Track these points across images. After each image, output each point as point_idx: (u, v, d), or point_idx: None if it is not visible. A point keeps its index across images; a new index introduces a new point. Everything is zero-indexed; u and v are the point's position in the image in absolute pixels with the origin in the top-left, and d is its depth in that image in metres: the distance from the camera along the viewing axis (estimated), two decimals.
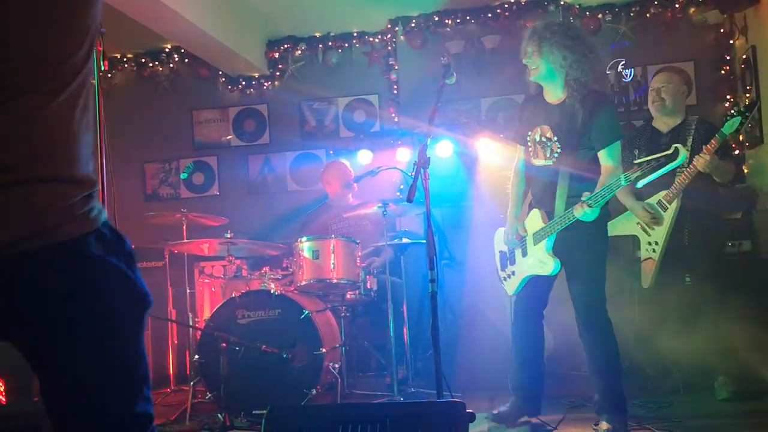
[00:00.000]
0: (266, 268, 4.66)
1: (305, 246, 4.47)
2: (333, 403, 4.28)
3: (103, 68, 3.08)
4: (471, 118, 6.41)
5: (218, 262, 5.58)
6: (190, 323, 4.80)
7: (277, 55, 6.90)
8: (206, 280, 5.07)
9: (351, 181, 5.35)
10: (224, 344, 4.05)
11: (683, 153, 3.11)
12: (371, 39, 6.80)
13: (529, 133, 3.65)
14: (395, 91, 6.68)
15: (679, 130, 4.36)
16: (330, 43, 6.83)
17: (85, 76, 1.47)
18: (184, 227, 5.06)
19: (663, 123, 4.45)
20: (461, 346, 4.83)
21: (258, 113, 7.01)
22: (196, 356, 4.26)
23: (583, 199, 3.32)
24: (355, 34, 6.81)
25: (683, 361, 4.11)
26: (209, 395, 4.18)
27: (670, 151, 3.14)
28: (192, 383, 4.37)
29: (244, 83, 6.96)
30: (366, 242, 4.91)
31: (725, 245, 4.68)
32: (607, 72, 5.46)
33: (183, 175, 7.04)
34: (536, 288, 3.70)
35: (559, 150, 3.53)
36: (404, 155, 5.96)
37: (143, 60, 7.06)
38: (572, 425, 3.65)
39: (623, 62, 5.34)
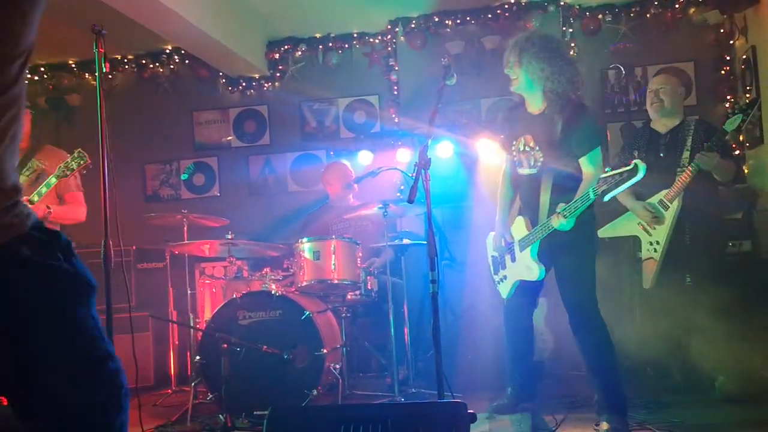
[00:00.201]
0: (267, 269, 4.67)
1: (306, 247, 4.47)
2: (334, 404, 4.28)
3: (104, 70, 3.08)
4: (471, 119, 6.42)
5: (219, 263, 5.59)
6: (191, 324, 4.80)
7: (277, 55, 6.91)
8: (207, 281, 5.07)
9: (351, 182, 5.36)
10: (225, 345, 4.05)
11: (642, 168, 3.15)
12: (371, 40, 6.81)
13: (513, 142, 3.76)
14: (395, 92, 6.68)
15: (678, 131, 4.39)
16: (330, 44, 6.84)
17: (16, 108, 1.52)
18: (185, 228, 5.06)
19: (662, 124, 4.47)
20: (462, 347, 4.84)
21: (258, 114, 7.02)
22: (197, 357, 4.27)
23: (558, 210, 3.43)
24: (355, 35, 6.82)
25: (683, 361, 4.11)
26: (210, 396, 4.18)
27: (630, 167, 3.18)
28: (193, 384, 4.37)
29: (244, 84, 6.97)
30: (367, 243, 4.91)
31: (726, 245, 4.68)
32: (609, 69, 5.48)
33: (183, 176, 7.04)
34: (526, 291, 3.83)
35: (542, 159, 3.63)
36: (404, 156, 5.97)
37: (144, 61, 7.07)
38: (573, 425, 3.65)
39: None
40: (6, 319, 1.46)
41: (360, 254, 4.60)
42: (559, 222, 3.42)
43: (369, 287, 4.67)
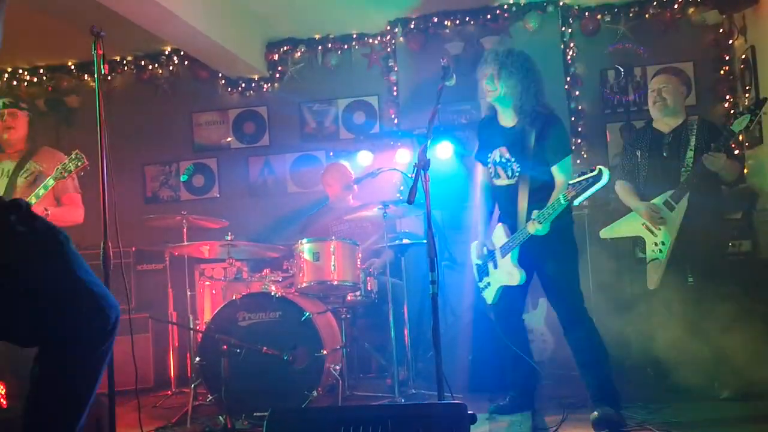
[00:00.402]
0: (267, 270, 4.67)
1: (306, 248, 4.47)
2: (334, 405, 4.28)
3: (103, 72, 3.08)
4: (471, 120, 6.42)
5: (219, 265, 5.59)
6: (191, 326, 4.80)
7: (276, 57, 6.91)
8: (207, 283, 5.07)
9: (351, 183, 5.36)
10: (225, 346, 4.05)
11: (605, 173, 3.32)
12: (371, 40, 6.81)
13: (489, 154, 3.88)
14: (395, 93, 6.68)
15: (681, 131, 4.35)
16: (329, 45, 6.85)
17: None
18: (185, 230, 5.06)
19: (664, 124, 4.43)
20: (462, 348, 4.83)
21: (258, 115, 7.02)
22: (197, 358, 4.26)
23: (533, 217, 3.58)
24: (354, 36, 6.83)
25: (684, 361, 4.10)
26: (210, 397, 4.18)
27: (595, 173, 3.34)
28: (193, 385, 4.37)
29: (243, 85, 6.97)
30: (366, 244, 4.91)
31: (728, 245, 4.67)
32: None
33: (183, 178, 7.04)
34: (511, 295, 3.90)
35: (518, 169, 3.77)
36: (404, 156, 5.96)
37: (143, 63, 7.07)
38: (573, 426, 3.65)
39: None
40: None
41: (360, 255, 4.60)
42: (534, 228, 3.57)
43: (369, 288, 4.67)
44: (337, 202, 5.49)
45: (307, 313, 4.20)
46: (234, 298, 4.31)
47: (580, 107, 6.38)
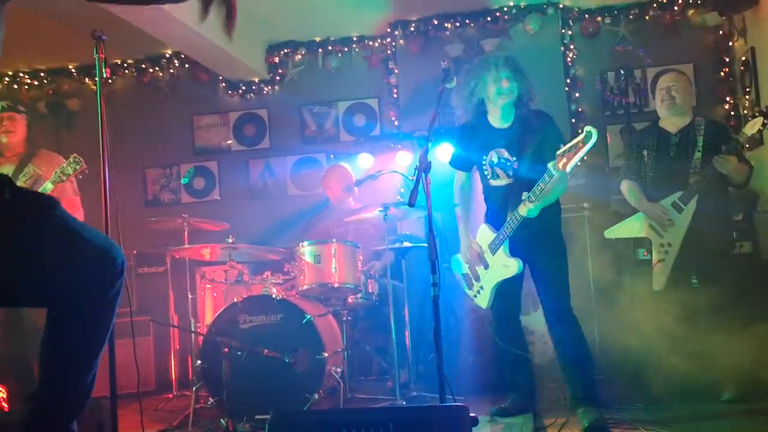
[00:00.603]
0: (268, 273, 4.67)
1: (306, 250, 4.47)
2: (336, 408, 4.28)
3: (104, 75, 3.08)
4: None
5: (220, 267, 5.58)
6: (192, 328, 4.80)
7: (277, 59, 6.92)
8: (208, 285, 5.07)
9: (352, 185, 5.36)
10: (226, 349, 4.05)
11: (594, 133, 3.35)
12: (371, 43, 6.82)
13: (484, 157, 3.86)
14: (395, 95, 6.69)
15: (688, 131, 4.29)
16: (330, 48, 6.86)
17: None
18: (186, 232, 5.06)
19: (671, 123, 4.38)
20: (463, 350, 4.83)
21: (258, 118, 7.03)
22: (199, 361, 4.26)
23: (523, 198, 3.59)
24: (354, 39, 6.84)
25: (685, 362, 4.10)
26: (212, 400, 4.18)
27: (582, 135, 3.36)
28: (194, 388, 4.37)
29: (244, 88, 6.98)
30: (367, 246, 4.91)
31: (733, 247, 4.65)
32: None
33: (184, 180, 7.05)
34: (505, 295, 3.90)
35: (517, 168, 3.77)
36: (404, 159, 5.97)
37: (143, 66, 7.09)
38: (574, 428, 3.64)
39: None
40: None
41: (360, 257, 4.60)
42: (527, 209, 3.58)
43: (370, 290, 4.67)
44: (337, 205, 5.50)
45: (308, 316, 4.20)
46: (235, 300, 4.31)
47: (580, 109, 6.39)
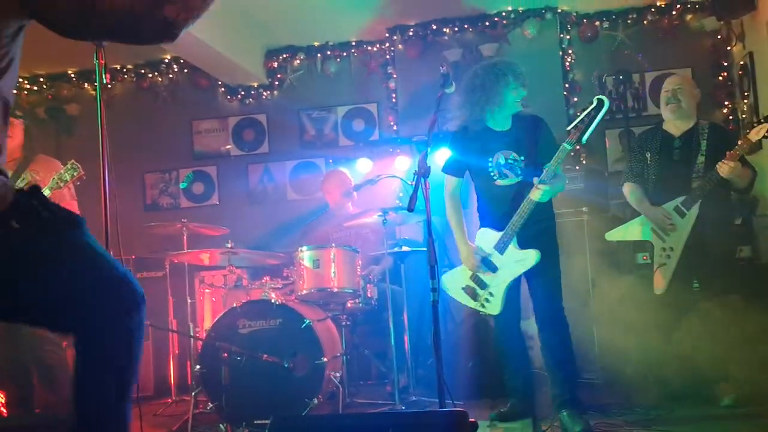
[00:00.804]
0: (267, 278, 4.66)
1: (306, 255, 4.47)
2: (335, 413, 4.27)
3: (104, 81, 3.09)
4: None
5: (219, 272, 5.59)
6: (191, 333, 4.79)
7: (276, 64, 6.93)
8: (207, 290, 5.07)
9: (350, 190, 5.36)
10: (225, 354, 4.05)
11: (606, 101, 3.49)
12: (369, 48, 6.83)
13: (490, 159, 3.85)
14: (394, 100, 6.70)
15: (692, 135, 4.28)
16: (328, 53, 6.87)
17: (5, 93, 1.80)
18: (185, 237, 5.06)
19: (675, 126, 4.36)
20: (462, 354, 4.82)
21: (257, 123, 7.03)
22: (198, 366, 4.26)
23: (535, 182, 3.60)
24: (353, 43, 6.85)
25: (685, 367, 4.10)
26: (211, 405, 4.17)
27: (594, 104, 3.47)
28: (193, 393, 4.35)
29: (243, 93, 6.99)
30: (366, 251, 4.91)
31: (735, 251, 4.64)
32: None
33: (183, 185, 7.05)
34: (511, 299, 3.89)
35: (525, 167, 3.80)
36: (403, 163, 5.97)
37: (143, 71, 7.09)
38: None
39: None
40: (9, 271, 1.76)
41: (360, 262, 4.60)
42: (539, 194, 3.59)
43: (369, 295, 4.67)
44: (336, 209, 5.50)
45: (308, 321, 4.20)
46: (234, 305, 4.31)
47: (578, 113, 6.38)
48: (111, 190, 3.13)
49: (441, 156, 5.60)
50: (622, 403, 4.07)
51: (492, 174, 3.86)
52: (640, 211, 4.35)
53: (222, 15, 5.90)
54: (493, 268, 3.84)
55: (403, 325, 4.58)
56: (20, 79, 7.19)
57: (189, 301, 5.16)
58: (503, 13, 6.46)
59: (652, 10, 6.33)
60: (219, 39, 5.79)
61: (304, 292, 4.44)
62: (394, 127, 6.66)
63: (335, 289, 4.44)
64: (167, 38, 1.80)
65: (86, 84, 7.14)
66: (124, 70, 7.10)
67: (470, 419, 2.51)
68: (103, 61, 3.10)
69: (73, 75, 7.16)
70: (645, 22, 6.37)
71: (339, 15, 6.33)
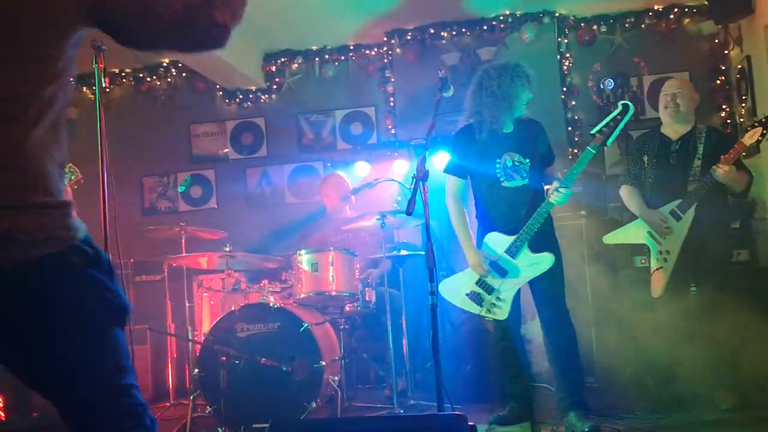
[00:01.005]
0: (265, 281, 4.66)
1: (304, 259, 4.47)
2: (334, 417, 4.27)
3: (104, 85, 3.09)
4: None
5: (217, 276, 5.57)
6: (190, 337, 4.79)
7: (274, 68, 6.94)
8: (205, 294, 5.06)
9: (349, 194, 5.36)
10: (224, 358, 4.05)
11: (630, 105, 3.55)
12: (367, 52, 6.84)
13: (498, 161, 3.84)
14: (392, 103, 6.71)
15: (689, 138, 4.28)
16: (326, 56, 6.88)
17: (59, 110, 1.64)
18: (183, 241, 5.06)
19: (673, 130, 4.36)
20: (461, 358, 4.82)
21: (255, 126, 7.03)
22: (196, 370, 4.25)
23: (554, 186, 3.64)
24: (351, 47, 6.86)
25: (684, 370, 4.10)
26: (209, 409, 4.17)
27: (619, 109, 3.53)
28: (192, 397, 4.35)
29: (241, 97, 6.99)
30: (364, 254, 4.91)
31: (732, 255, 4.63)
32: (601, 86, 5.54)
33: (181, 189, 7.04)
34: (515, 305, 3.89)
35: (530, 169, 3.82)
36: (401, 167, 5.97)
37: (141, 75, 7.09)
38: None
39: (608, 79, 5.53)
40: (54, 319, 1.54)
41: (358, 266, 4.60)
42: (557, 197, 3.63)
43: (367, 299, 4.67)
44: (335, 213, 5.50)
45: (306, 324, 4.20)
46: (232, 309, 4.31)
47: (576, 117, 6.41)
48: (109, 194, 3.13)
49: (440, 159, 5.63)
50: (620, 407, 4.07)
51: (499, 176, 3.84)
52: (637, 214, 4.35)
53: None
54: (503, 273, 3.80)
55: (401, 329, 4.57)
56: None
57: (187, 304, 5.16)
58: (501, 17, 6.47)
59: (650, 13, 6.34)
60: None
61: (303, 295, 4.44)
62: (393, 131, 6.67)
63: (333, 293, 4.44)
64: (220, 44, 1.73)
65: (85, 88, 7.12)
66: (123, 74, 7.10)
67: (469, 423, 2.51)
68: (102, 65, 3.11)
69: (71, 79, 7.14)
70: (643, 25, 6.38)
71: (337, 19, 6.34)
